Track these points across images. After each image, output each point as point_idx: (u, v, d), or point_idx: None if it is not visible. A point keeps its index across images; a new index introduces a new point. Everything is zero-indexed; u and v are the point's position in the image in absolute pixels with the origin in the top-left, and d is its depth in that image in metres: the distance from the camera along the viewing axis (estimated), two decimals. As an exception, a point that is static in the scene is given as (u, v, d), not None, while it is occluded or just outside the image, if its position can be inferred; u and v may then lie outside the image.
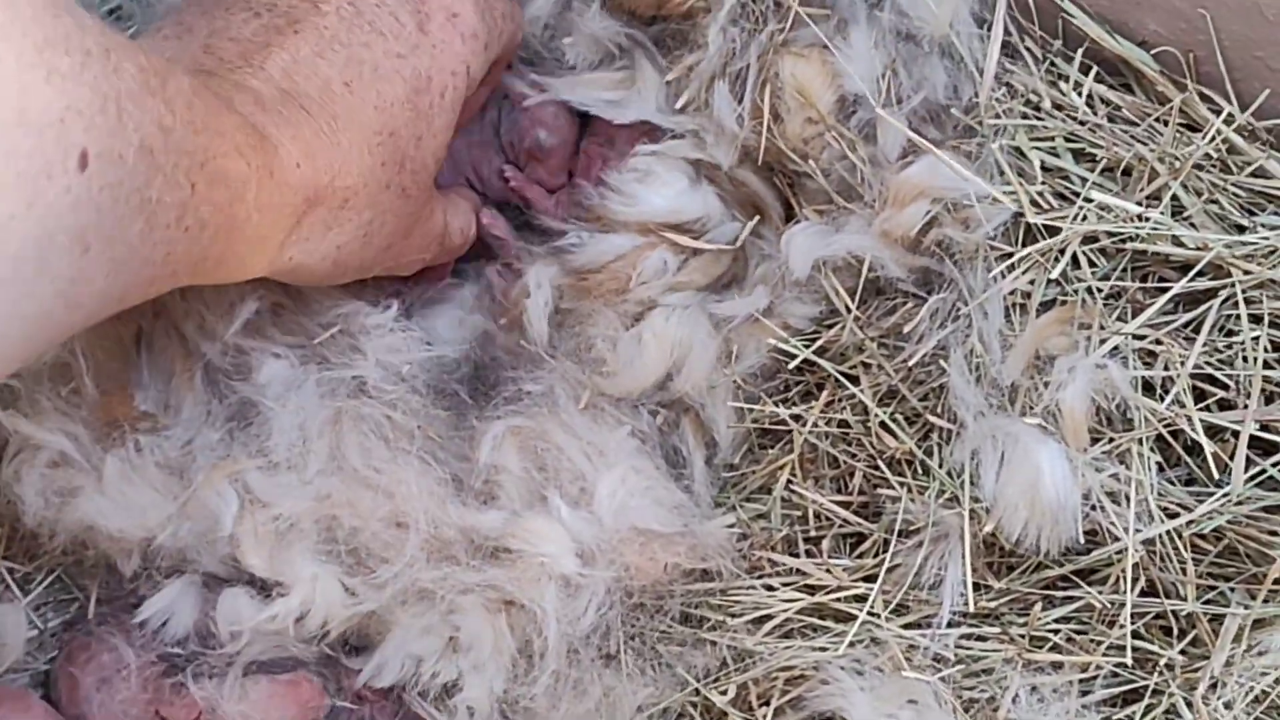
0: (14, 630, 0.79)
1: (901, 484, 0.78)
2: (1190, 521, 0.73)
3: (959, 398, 0.75)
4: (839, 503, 0.80)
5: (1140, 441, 0.73)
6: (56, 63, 0.47)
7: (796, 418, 0.80)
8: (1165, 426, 0.74)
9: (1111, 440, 0.74)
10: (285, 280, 0.71)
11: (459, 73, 0.72)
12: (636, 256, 0.80)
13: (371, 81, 0.68)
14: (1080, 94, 0.80)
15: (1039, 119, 0.79)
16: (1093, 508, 0.73)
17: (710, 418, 0.81)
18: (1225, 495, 0.73)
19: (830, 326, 0.80)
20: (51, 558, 0.81)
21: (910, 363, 0.77)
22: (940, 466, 0.76)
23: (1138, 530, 0.73)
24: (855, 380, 0.79)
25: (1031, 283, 0.75)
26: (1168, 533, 0.73)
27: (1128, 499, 0.73)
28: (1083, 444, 0.73)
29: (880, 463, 0.78)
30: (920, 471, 0.78)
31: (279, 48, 0.67)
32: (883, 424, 0.78)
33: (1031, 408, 0.74)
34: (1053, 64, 0.81)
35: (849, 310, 0.79)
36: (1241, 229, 0.76)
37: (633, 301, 0.79)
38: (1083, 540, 0.74)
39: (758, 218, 0.82)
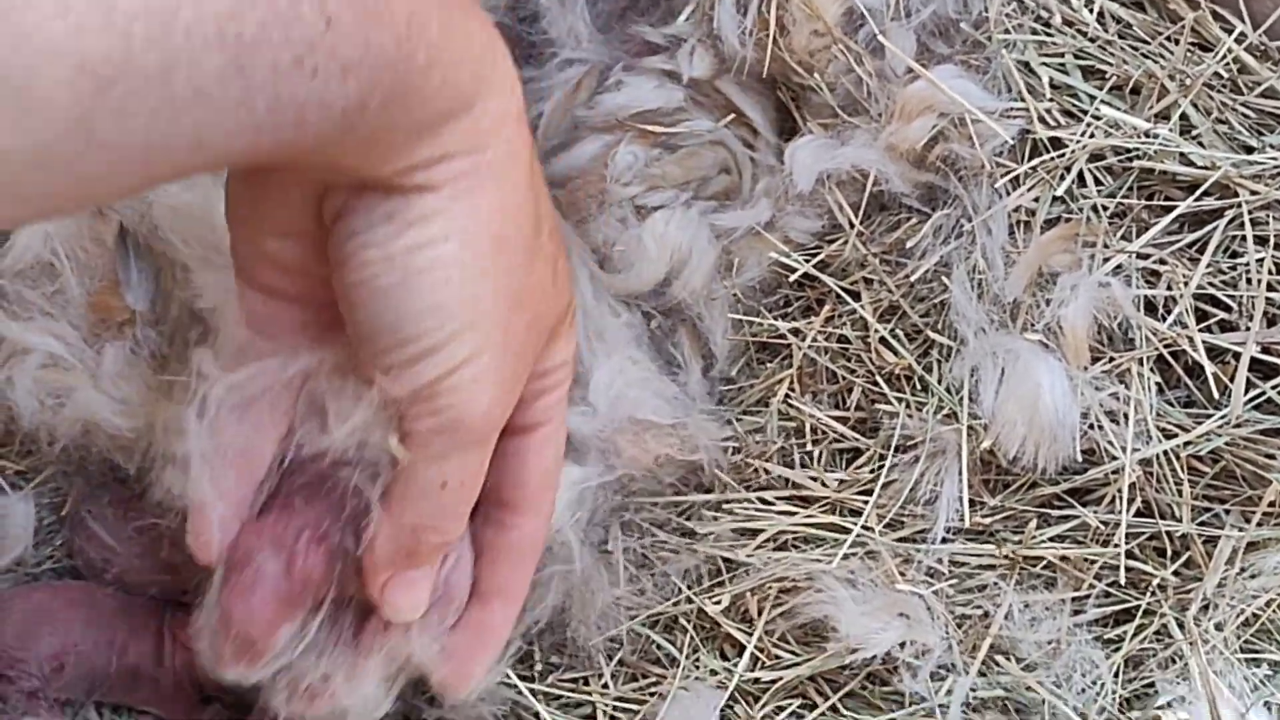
0: (21, 522, 0.79)
1: (900, 400, 0.77)
2: (1188, 442, 0.73)
3: (960, 314, 0.75)
4: (836, 418, 0.80)
5: (1141, 361, 0.73)
6: None
7: (796, 332, 0.80)
8: (1166, 347, 0.74)
9: (1112, 360, 0.74)
10: None
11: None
12: (606, 155, 0.79)
13: None
14: (1091, 10, 0.79)
15: (1049, 35, 0.79)
16: (1091, 427, 0.73)
17: (708, 328, 0.80)
18: (1224, 417, 0.73)
19: (832, 241, 0.80)
20: (52, 463, 0.80)
21: (912, 279, 0.77)
22: (939, 383, 0.76)
23: (1135, 450, 0.73)
24: (856, 296, 0.79)
25: (1036, 200, 0.75)
26: (1165, 453, 0.73)
27: (1126, 419, 0.73)
28: (1083, 362, 0.73)
29: (879, 378, 0.78)
30: (919, 388, 0.77)
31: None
32: (883, 339, 0.78)
33: (1033, 325, 0.74)
34: (1064, -22, 0.81)
35: (852, 225, 0.78)
36: (1250, 149, 0.75)
37: (624, 205, 0.78)
38: (1080, 459, 0.73)
39: (732, 116, 0.81)
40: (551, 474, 0.69)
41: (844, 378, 0.80)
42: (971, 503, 0.76)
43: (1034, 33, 0.79)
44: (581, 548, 0.75)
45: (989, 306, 0.75)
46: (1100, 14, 0.79)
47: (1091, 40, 0.79)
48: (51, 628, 0.77)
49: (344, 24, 0.47)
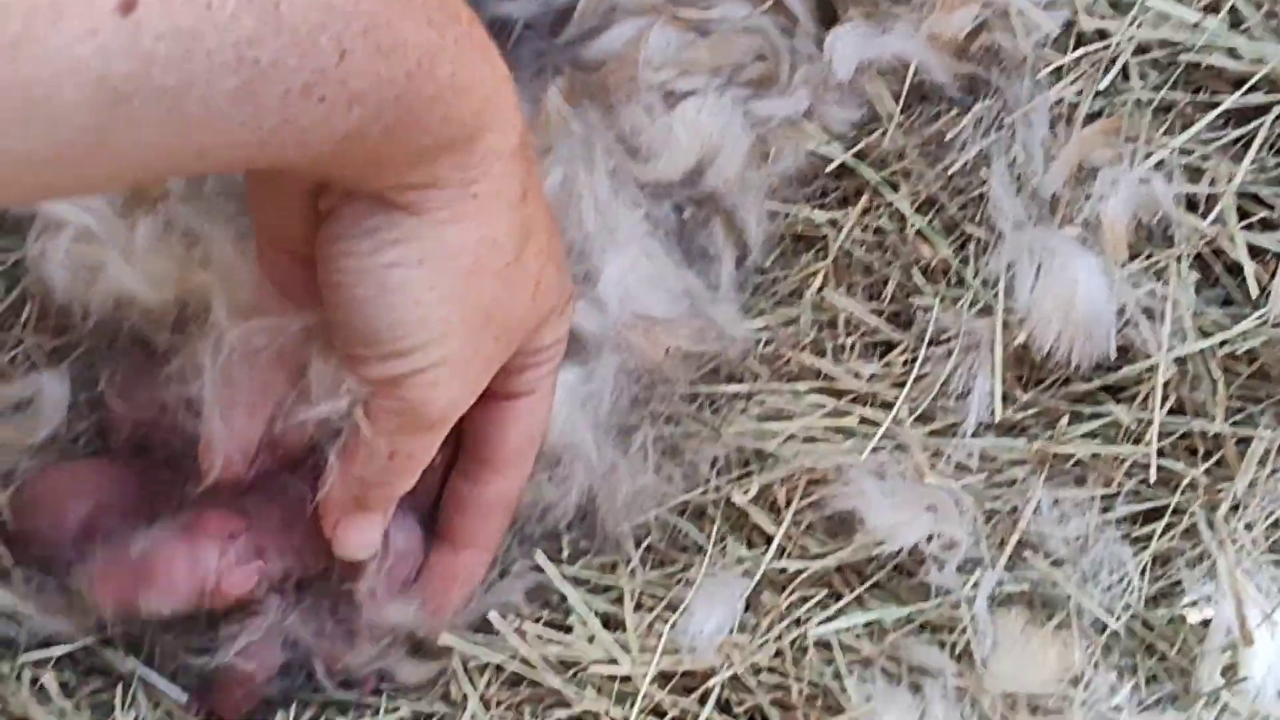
0: (54, 399, 0.79)
1: (935, 293, 0.77)
2: (1224, 342, 0.73)
3: (998, 208, 0.74)
4: (871, 310, 0.79)
5: (1179, 259, 0.73)
6: None
7: (832, 223, 0.79)
8: (1206, 245, 0.73)
9: (1150, 256, 0.73)
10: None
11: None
12: (640, 39, 0.78)
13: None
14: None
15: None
16: (1127, 324, 0.73)
17: (742, 219, 0.79)
18: (1261, 317, 0.73)
19: (871, 132, 0.79)
20: (85, 339, 0.81)
21: (951, 171, 0.76)
22: (975, 277, 0.76)
23: (1170, 348, 0.72)
24: (894, 187, 0.78)
25: (1079, 93, 0.74)
26: (1200, 352, 0.73)
27: (1163, 316, 0.72)
28: (1121, 258, 0.72)
29: (914, 271, 0.78)
30: (955, 281, 0.77)
31: None
32: (919, 232, 0.77)
33: (1071, 220, 0.73)
34: None
35: (891, 116, 0.77)
36: (1306, 45, 0.74)
37: (654, 91, 0.77)
38: (1114, 356, 0.73)
39: (770, 2, 0.80)
40: (530, 439, 0.74)
41: (879, 270, 0.79)
42: (1004, 398, 0.75)
43: (1084, -78, 0.77)
44: (602, 442, 0.76)
45: (1027, 200, 0.74)
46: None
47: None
48: (78, 503, 0.78)
49: (357, 57, 0.49)
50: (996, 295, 0.74)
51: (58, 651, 0.78)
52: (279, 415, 0.71)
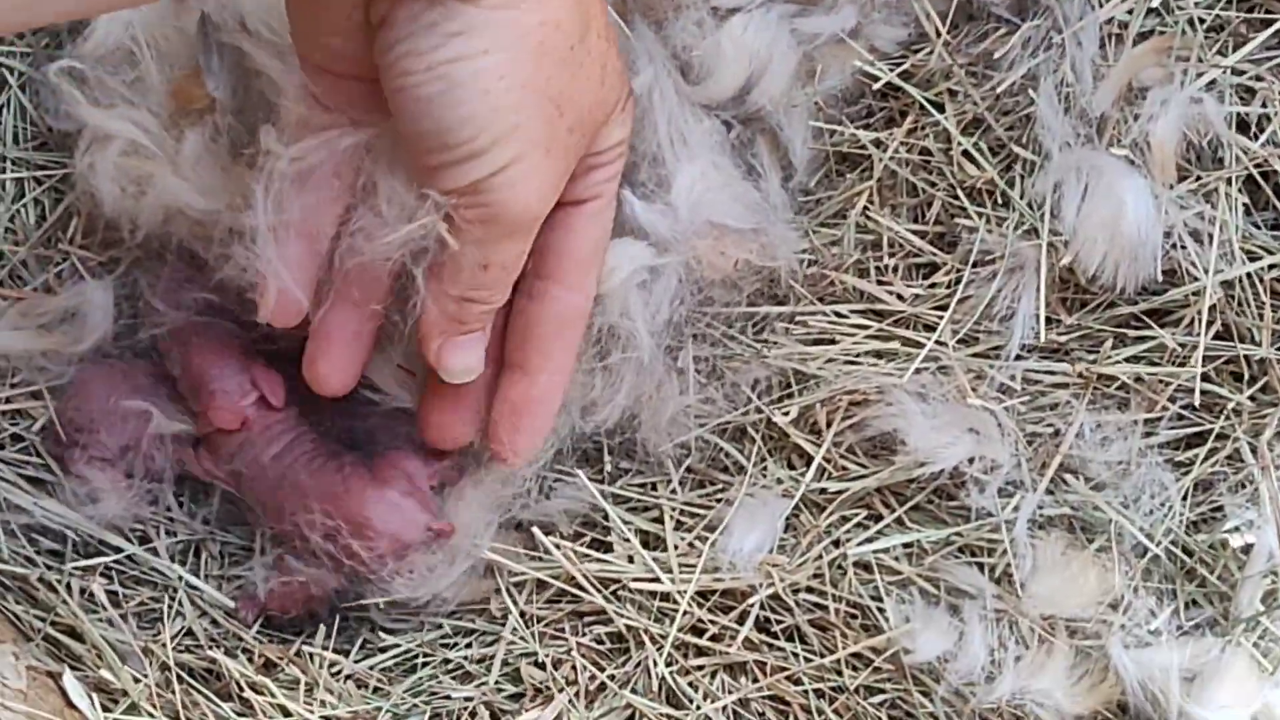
0: (101, 308, 0.80)
1: (980, 214, 0.77)
2: (1272, 265, 0.72)
3: (1046, 128, 0.74)
4: (915, 231, 0.79)
5: (1229, 181, 0.72)
6: None
7: (877, 143, 0.79)
8: (1257, 167, 0.72)
9: (1199, 179, 0.73)
10: None
11: None
12: None
13: None
14: None
15: None
16: (1174, 246, 0.72)
17: (788, 138, 0.79)
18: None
19: (918, 51, 0.78)
20: (132, 250, 0.81)
21: (998, 91, 0.76)
22: (1021, 198, 0.75)
23: (1218, 271, 0.72)
24: (940, 107, 0.77)
25: (1130, 12, 0.73)
26: (1247, 276, 0.72)
27: (1210, 239, 0.72)
28: (1169, 179, 0.72)
29: (960, 192, 0.77)
30: (1000, 202, 0.76)
31: None
32: (965, 153, 0.77)
33: (1119, 140, 0.72)
34: None
35: (939, 34, 0.77)
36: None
37: (700, 7, 0.77)
38: (1160, 279, 0.73)
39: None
40: (598, 247, 0.72)
41: (924, 191, 0.79)
42: (1048, 320, 0.75)
43: None
44: (654, 348, 0.75)
45: (1075, 121, 0.73)
46: None
47: None
48: (123, 412, 0.79)
49: None
50: (1042, 217, 0.74)
51: (105, 560, 0.79)
52: (344, 238, 0.69)
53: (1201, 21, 0.72)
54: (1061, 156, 0.73)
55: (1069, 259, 0.73)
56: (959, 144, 0.77)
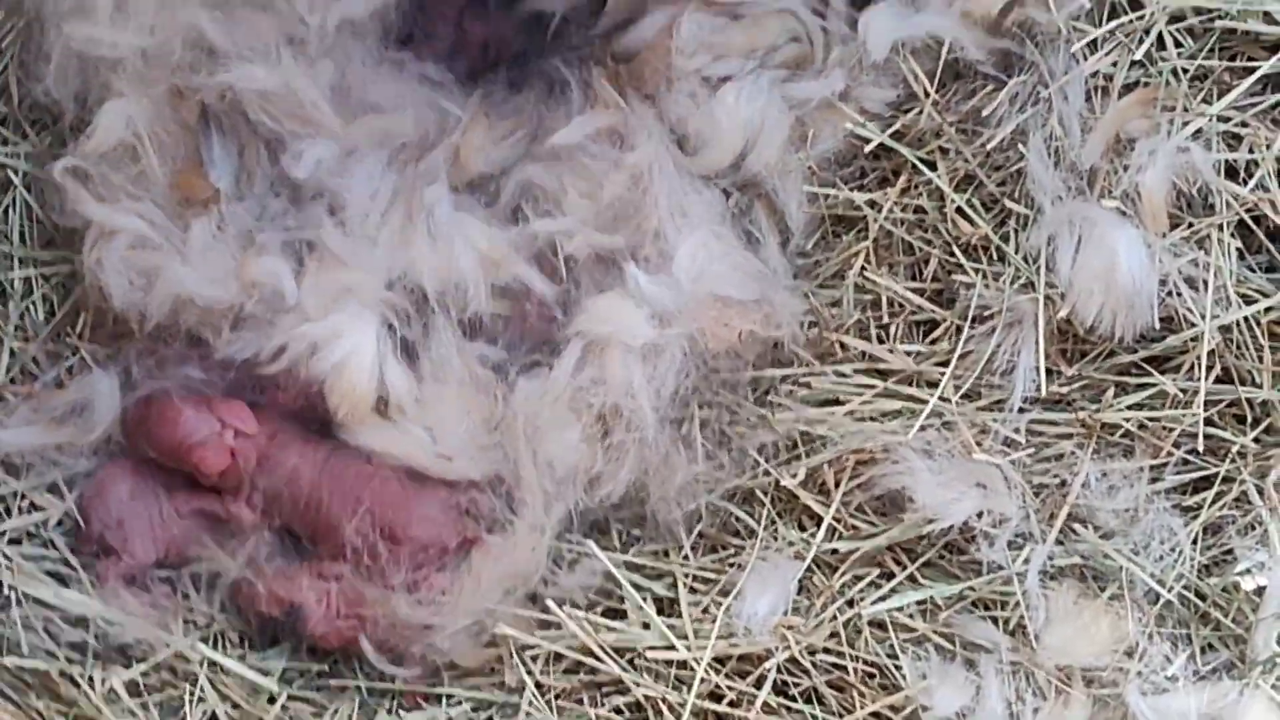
0: (107, 397, 0.81)
1: (976, 270, 0.77)
2: (1269, 308, 0.72)
3: (1037, 182, 0.74)
4: (913, 289, 0.79)
5: (1221, 227, 0.72)
6: None
7: (872, 204, 0.79)
8: (1248, 212, 0.73)
9: (1191, 225, 0.73)
10: None
11: None
12: (672, 26, 0.79)
13: None
14: None
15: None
16: (1170, 293, 0.73)
17: (784, 202, 0.80)
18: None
19: (908, 111, 0.79)
20: (138, 346, 0.82)
21: (988, 147, 0.76)
22: (1016, 252, 0.76)
23: (1214, 316, 0.72)
24: (932, 165, 0.78)
25: (1114, 64, 0.74)
26: (1245, 319, 0.73)
27: (1205, 285, 0.72)
28: (1161, 228, 0.72)
29: (955, 249, 0.78)
30: (996, 257, 0.77)
31: None
32: (959, 209, 0.77)
33: (1110, 191, 0.73)
34: None
35: (927, 94, 0.77)
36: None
37: (692, 78, 0.78)
38: (1158, 326, 0.73)
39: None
40: None
41: (920, 249, 0.79)
42: (1048, 372, 0.75)
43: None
44: (659, 424, 0.76)
45: (1066, 174, 0.74)
46: None
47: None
48: (148, 513, 0.81)
49: None
50: (1038, 270, 0.74)
51: (126, 648, 0.80)
52: None
53: (1185, 71, 0.73)
54: (1054, 210, 0.73)
55: (1066, 311, 0.73)
56: (952, 201, 0.77)
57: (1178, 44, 0.74)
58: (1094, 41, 0.74)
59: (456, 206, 0.77)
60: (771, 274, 0.80)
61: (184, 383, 0.80)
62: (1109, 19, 0.74)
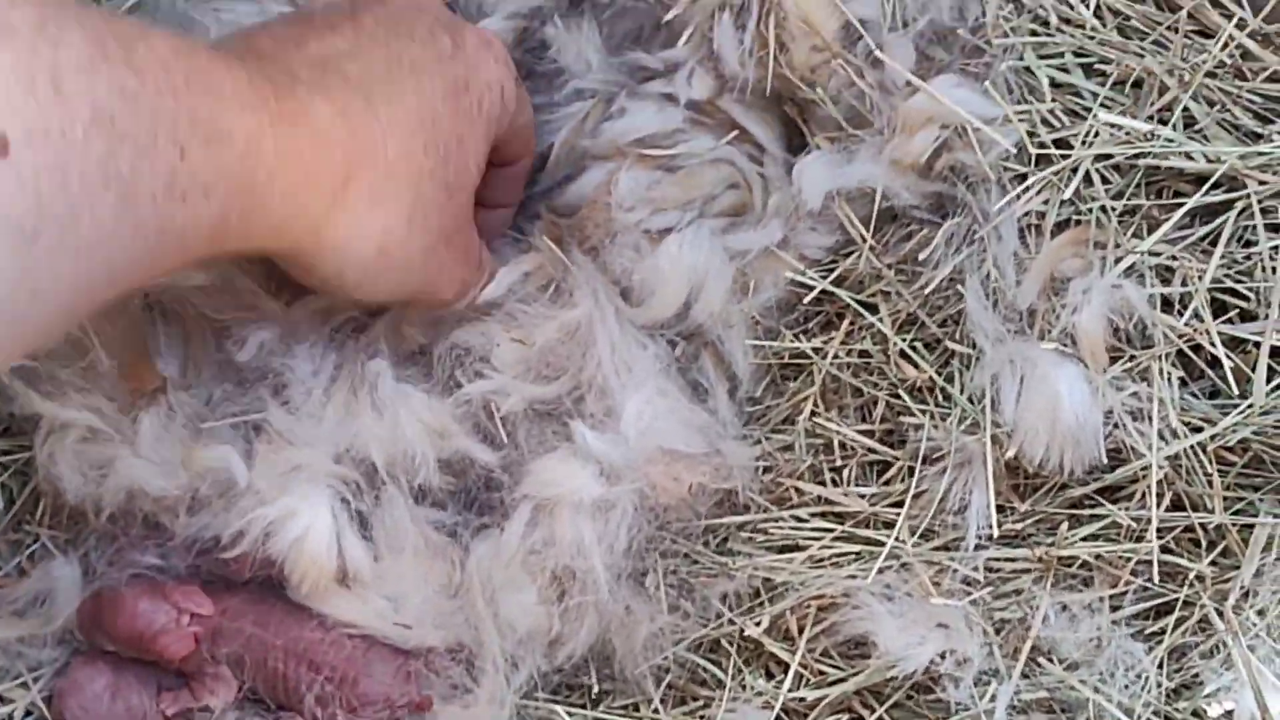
0: (68, 585, 0.81)
1: (924, 411, 0.78)
2: (1214, 435, 0.73)
3: (976, 323, 0.75)
4: (863, 432, 0.80)
5: (1161, 358, 0.73)
6: None
7: (817, 350, 0.80)
8: (1185, 342, 0.74)
9: (1132, 358, 0.74)
10: (332, 288, 0.68)
11: (494, 88, 0.72)
12: (610, 182, 0.80)
13: (409, 73, 0.68)
14: (1088, 6, 0.79)
15: (1048, 34, 0.78)
16: (1115, 426, 0.73)
17: (729, 351, 0.80)
18: (1249, 407, 0.73)
19: (847, 256, 0.80)
20: (97, 531, 0.82)
21: (927, 290, 0.77)
22: (961, 393, 0.76)
23: (1161, 446, 0.73)
24: (874, 309, 0.79)
25: (1045, 203, 0.75)
26: (1192, 447, 0.73)
27: (1149, 416, 0.73)
28: (1102, 364, 0.73)
29: (902, 391, 0.79)
30: (942, 398, 0.78)
31: (315, 39, 0.67)
32: (902, 352, 0.78)
33: (1049, 331, 0.74)
34: (1059, -25, 0.80)
35: (864, 240, 0.78)
36: (1257, 137, 0.75)
37: (633, 232, 0.79)
38: (1106, 460, 0.73)
39: (735, 132, 0.81)
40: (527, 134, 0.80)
41: (867, 392, 0.80)
42: (1001, 509, 0.76)
43: (1033, 33, 0.78)
44: (615, 581, 0.76)
45: (1005, 314, 0.75)
46: (1098, 8, 0.79)
47: (1091, 36, 0.78)
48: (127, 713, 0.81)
49: (194, 151, 0.55)
50: (983, 410, 0.75)
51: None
52: None
53: (1114, 209, 0.74)
54: (995, 350, 0.74)
55: (1013, 450, 0.74)
56: (895, 344, 0.78)
57: (1105, 180, 0.75)
58: (1025, 184, 0.75)
59: (398, 379, 0.78)
60: (721, 425, 0.80)
61: (142, 569, 0.80)
62: (1037, 160, 0.75)
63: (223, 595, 0.80)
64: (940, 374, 0.77)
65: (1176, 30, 0.77)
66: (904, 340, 0.78)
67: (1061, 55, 0.78)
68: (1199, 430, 0.73)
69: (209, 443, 0.78)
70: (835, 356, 0.80)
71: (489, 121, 0.72)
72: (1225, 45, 0.76)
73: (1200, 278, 0.73)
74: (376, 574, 0.78)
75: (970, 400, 0.76)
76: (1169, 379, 0.73)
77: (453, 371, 0.79)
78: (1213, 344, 0.72)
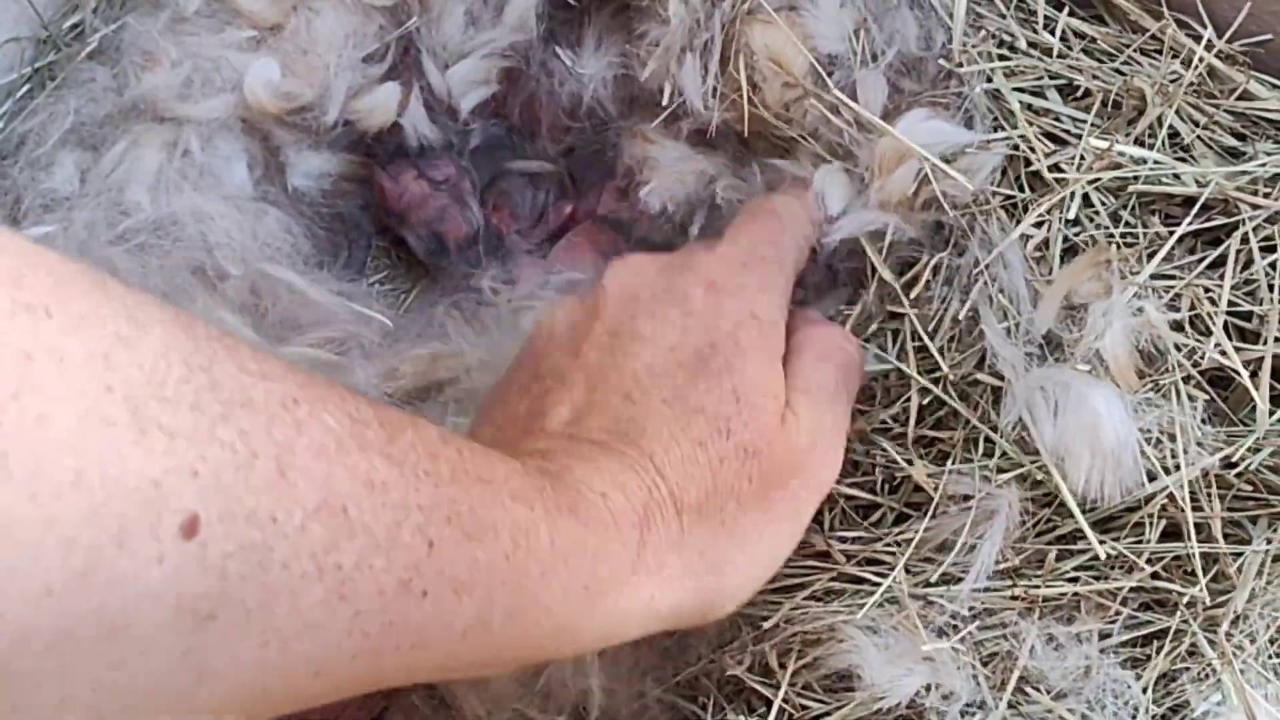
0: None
1: (947, 455, 0.76)
2: (1229, 463, 0.72)
3: (999, 354, 0.74)
4: (851, 484, 0.78)
5: (1178, 382, 0.72)
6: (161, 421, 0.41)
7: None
8: (1195, 367, 0.73)
9: (1155, 384, 0.73)
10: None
11: (745, 321, 0.68)
12: None
13: (650, 382, 0.65)
14: (1053, 32, 0.79)
15: (1016, 60, 0.78)
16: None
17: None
18: (1259, 438, 0.72)
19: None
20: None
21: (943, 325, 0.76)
22: (995, 430, 0.75)
23: (1176, 469, 0.72)
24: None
25: (1036, 227, 0.74)
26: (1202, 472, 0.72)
27: (1172, 439, 0.72)
28: (1133, 386, 0.72)
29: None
30: (964, 442, 0.76)
31: (553, 404, 0.64)
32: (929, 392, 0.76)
33: (1072, 356, 0.72)
34: (1021, 1, 0.80)
35: (875, 273, 0.77)
36: (1236, 155, 0.75)
37: None
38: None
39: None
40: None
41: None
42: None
43: (1002, 59, 0.78)
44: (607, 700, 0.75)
45: (1023, 342, 0.74)
46: (1064, 33, 0.79)
47: (1060, 58, 0.78)
48: None
49: (447, 546, 0.49)
50: (1016, 443, 0.74)
51: None
52: None
53: (1117, 233, 0.73)
54: (1022, 380, 0.73)
55: (1058, 477, 0.72)
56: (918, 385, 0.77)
57: (1088, 203, 0.74)
58: (1016, 208, 0.74)
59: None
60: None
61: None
62: (1019, 183, 0.75)
63: None
64: (975, 412, 0.76)
65: (1143, 52, 0.78)
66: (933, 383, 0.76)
67: (1039, 79, 0.78)
68: (1214, 453, 0.72)
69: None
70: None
71: (758, 345, 0.68)
72: (1194, 65, 0.76)
73: (1207, 302, 0.72)
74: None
75: (1000, 434, 0.74)
76: (1192, 402, 0.72)
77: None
78: (1236, 372, 0.71)
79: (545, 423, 0.64)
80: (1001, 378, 0.74)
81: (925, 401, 0.76)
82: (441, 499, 0.50)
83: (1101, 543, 0.74)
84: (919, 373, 0.76)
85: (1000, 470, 0.74)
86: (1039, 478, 0.73)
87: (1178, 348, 0.72)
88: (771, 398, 0.67)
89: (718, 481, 0.65)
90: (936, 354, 0.76)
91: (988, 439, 0.75)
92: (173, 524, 0.41)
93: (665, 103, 0.78)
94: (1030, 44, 0.78)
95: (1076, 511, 0.72)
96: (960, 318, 0.75)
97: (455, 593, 0.50)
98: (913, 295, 0.77)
